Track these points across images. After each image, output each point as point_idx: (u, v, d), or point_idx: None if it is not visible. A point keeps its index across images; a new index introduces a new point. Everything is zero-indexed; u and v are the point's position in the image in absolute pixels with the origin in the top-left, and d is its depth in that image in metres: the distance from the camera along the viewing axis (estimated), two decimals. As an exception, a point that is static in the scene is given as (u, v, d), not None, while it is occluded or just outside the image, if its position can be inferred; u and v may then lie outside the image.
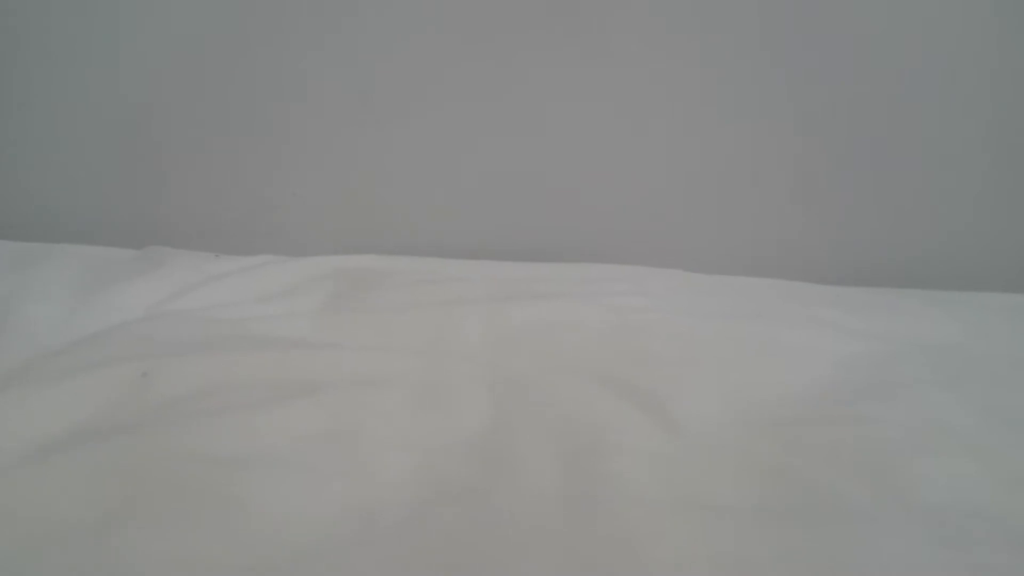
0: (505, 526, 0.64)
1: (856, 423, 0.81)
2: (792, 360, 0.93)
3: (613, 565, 0.61)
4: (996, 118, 1.16)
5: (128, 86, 1.21)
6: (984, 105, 1.15)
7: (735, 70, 1.16)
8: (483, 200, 1.25)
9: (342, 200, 1.26)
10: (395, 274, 1.16)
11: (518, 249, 1.23)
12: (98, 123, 1.23)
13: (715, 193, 1.23)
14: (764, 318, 1.04)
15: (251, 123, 1.22)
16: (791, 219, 1.24)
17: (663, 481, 0.70)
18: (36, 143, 1.25)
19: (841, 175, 1.20)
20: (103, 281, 1.08)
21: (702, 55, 1.15)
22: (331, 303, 1.07)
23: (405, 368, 0.89)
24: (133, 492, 0.66)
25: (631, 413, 0.81)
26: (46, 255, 1.15)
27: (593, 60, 1.17)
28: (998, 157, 1.18)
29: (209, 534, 0.62)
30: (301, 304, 1.06)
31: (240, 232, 1.27)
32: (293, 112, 1.21)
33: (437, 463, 0.72)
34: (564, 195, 1.24)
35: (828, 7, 1.12)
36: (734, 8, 1.13)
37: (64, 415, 0.76)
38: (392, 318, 1.02)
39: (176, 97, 1.22)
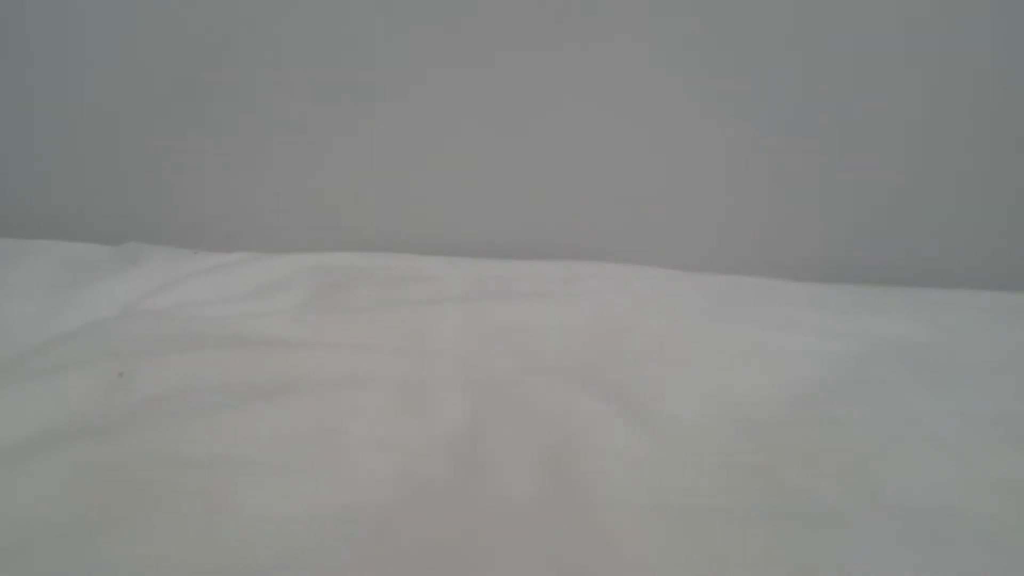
0: (483, 526, 0.64)
1: (833, 424, 0.81)
2: (770, 360, 0.93)
3: (590, 566, 0.61)
4: (973, 117, 1.17)
5: (107, 84, 1.20)
6: (962, 104, 1.16)
7: (716, 68, 1.16)
8: (462, 198, 1.25)
9: (321, 197, 1.26)
10: (374, 272, 1.15)
11: (497, 247, 1.23)
12: (76, 120, 1.22)
13: (696, 191, 1.23)
14: (743, 317, 1.04)
15: (230, 120, 1.21)
16: (771, 217, 1.24)
17: (640, 482, 0.70)
18: (14, 140, 1.24)
19: (821, 173, 1.21)
20: (80, 278, 1.07)
21: (683, 53, 1.16)
22: (309, 301, 1.07)
23: (383, 367, 0.88)
24: (110, 495, 0.65)
25: (609, 414, 0.81)
26: (22, 252, 1.14)
27: (574, 57, 1.17)
28: (976, 156, 1.19)
29: (187, 537, 0.61)
30: (279, 302, 1.06)
31: (218, 229, 1.26)
32: (272, 109, 1.21)
33: (415, 463, 0.72)
34: (544, 193, 1.24)
35: (811, 5, 1.12)
36: (716, 6, 1.13)
37: (40, 415, 0.75)
38: (370, 316, 1.01)
39: (156, 95, 1.21)
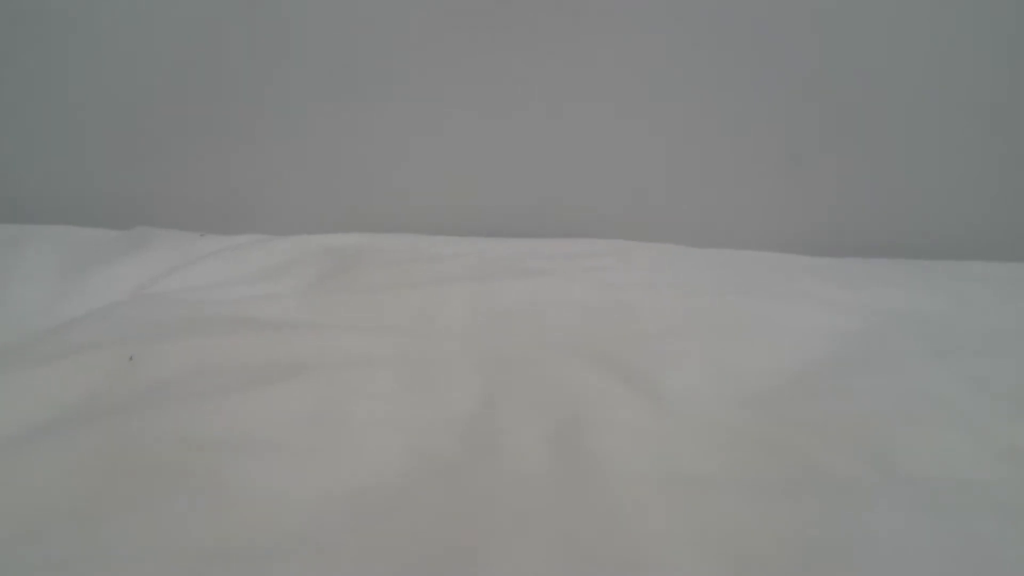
0: (494, 504, 0.64)
1: (844, 395, 0.81)
2: (780, 333, 0.93)
3: (601, 540, 0.61)
4: (980, 88, 1.16)
5: (113, 68, 1.19)
6: (968, 76, 1.15)
7: (722, 43, 1.15)
8: (470, 176, 1.24)
9: (327, 179, 1.25)
10: (382, 252, 1.15)
11: (505, 226, 1.23)
12: (84, 105, 1.21)
13: (702, 165, 1.23)
14: (752, 291, 1.04)
15: (235, 103, 1.21)
16: (779, 190, 1.23)
17: (651, 456, 0.70)
18: (22, 125, 1.23)
19: (829, 145, 1.20)
20: (89, 263, 1.07)
21: (688, 29, 1.15)
22: (317, 282, 1.07)
23: (392, 347, 0.88)
24: (121, 477, 0.65)
25: (619, 389, 0.81)
26: (32, 237, 1.14)
27: (578, 34, 1.16)
28: (986, 125, 1.18)
29: (197, 518, 0.62)
30: (287, 284, 1.06)
31: (226, 211, 1.26)
32: (277, 91, 1.20)
33: (425, 443, 0.72)
34: (551, 170, 1.23)
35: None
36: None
37: (50, 399, 0.76)
38: (379, 297, 1.01)
39: (162, 78, 1.20)
